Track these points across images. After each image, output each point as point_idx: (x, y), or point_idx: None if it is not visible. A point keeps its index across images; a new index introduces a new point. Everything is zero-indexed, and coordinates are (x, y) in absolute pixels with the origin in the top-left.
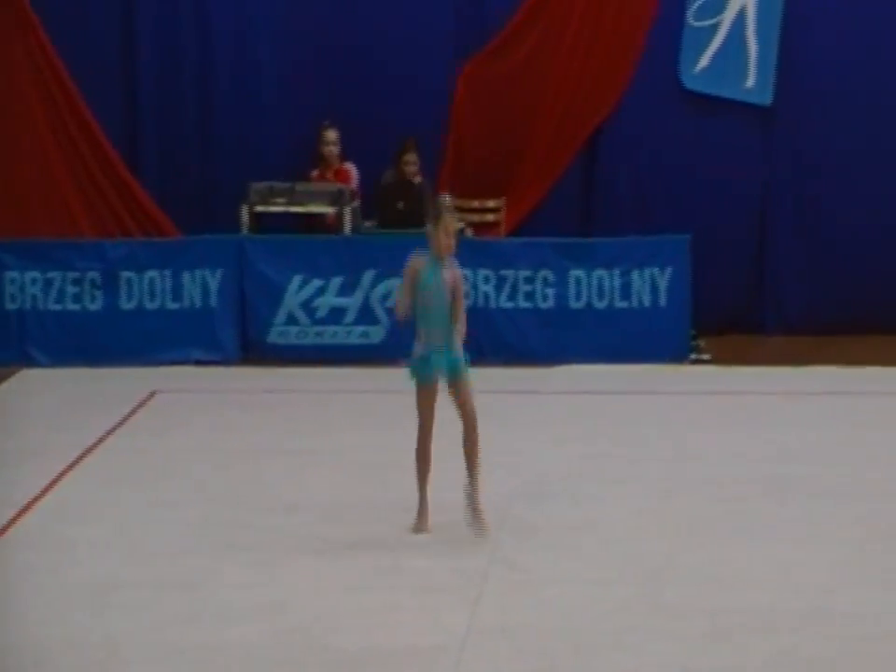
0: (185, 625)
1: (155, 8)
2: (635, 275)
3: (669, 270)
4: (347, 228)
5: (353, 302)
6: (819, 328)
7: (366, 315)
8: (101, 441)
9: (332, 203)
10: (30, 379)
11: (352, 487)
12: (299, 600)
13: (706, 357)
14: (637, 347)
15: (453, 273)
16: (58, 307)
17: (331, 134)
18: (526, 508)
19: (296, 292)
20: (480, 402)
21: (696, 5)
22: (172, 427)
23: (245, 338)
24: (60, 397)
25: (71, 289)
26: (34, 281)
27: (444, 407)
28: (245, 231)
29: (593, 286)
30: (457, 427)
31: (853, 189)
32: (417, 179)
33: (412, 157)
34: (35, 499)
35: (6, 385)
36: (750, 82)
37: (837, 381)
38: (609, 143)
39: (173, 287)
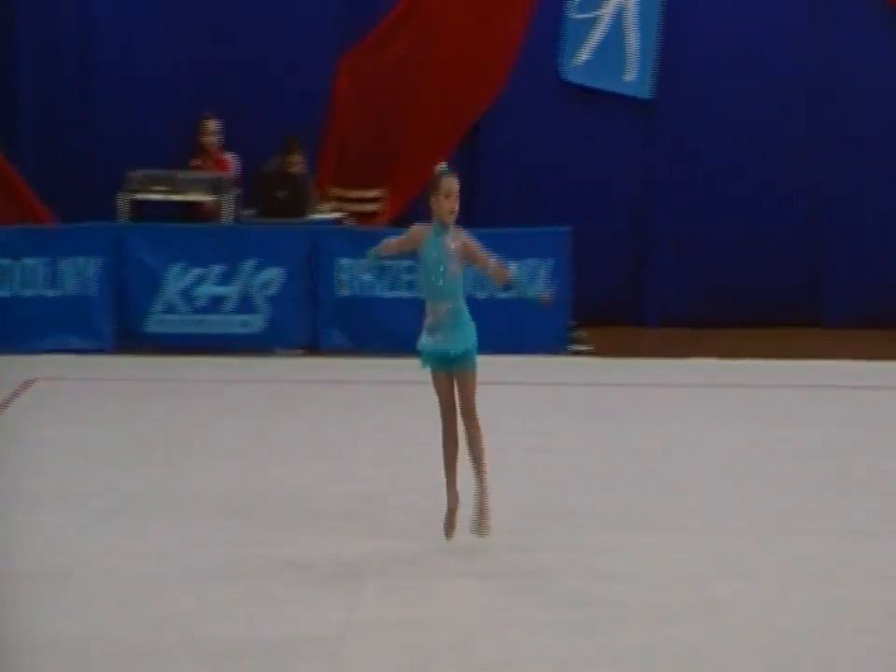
0: (58, 618)
1: None
2: (515, 267)
3: (550, 262)
4: (227, 216)
5: (232, 291)
6: (697, 320)
7: (245, 304)
8: None
9: (212, 192)
10: None
11: (232, 477)
12: (173, 591)
13: (586, 348)
14: (517, 338)
15: (460, 241)
16: None
17: (211, 124)
18: (408, 497)
19: (175, 281)
20: (361, 392)
21: None
22: (49, 416)
23: (123, 326)
24: None
25: None
26: None
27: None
28: (123, 218)
29: (473, 276)
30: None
31: (732, 184)
32: (305, 176)
33: (296, 157)
34: None
35: None
36: (630, 76)
37: (714, 373)
38: (489, 134)
39: (50, 274)
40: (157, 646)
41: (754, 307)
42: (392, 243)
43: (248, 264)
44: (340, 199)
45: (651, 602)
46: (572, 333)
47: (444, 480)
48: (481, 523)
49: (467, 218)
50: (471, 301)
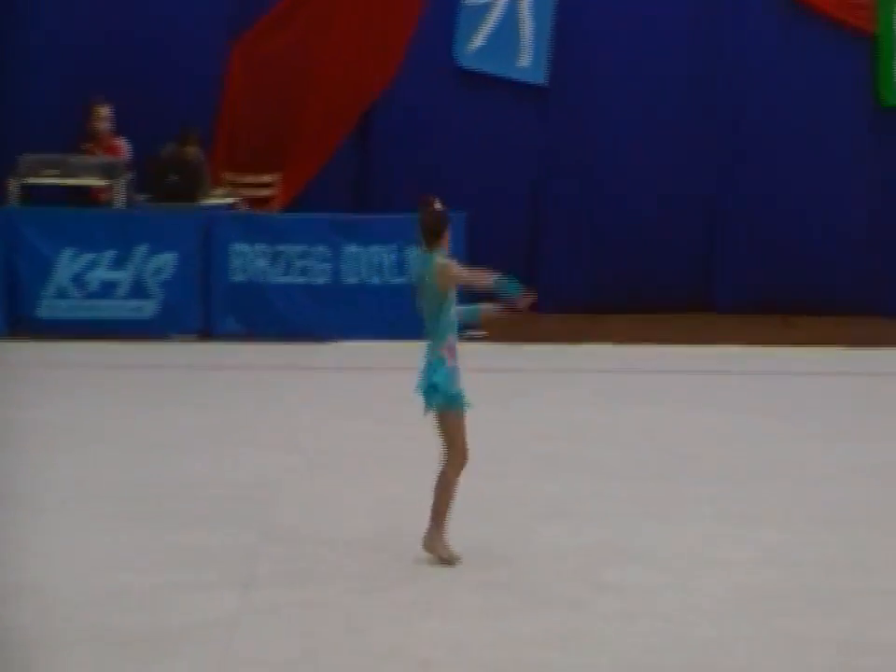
0: None
1: None
2: (410, 252)
3: None
4: (119, 201)
5: (125, 276)
6: (592, 306)
7: (138, 290)
8: None
9: (105, 176)
10: None
11: (126, 465)
12: (65, 579)
13: (480, 334)
14: (411, 324)
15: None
16: None
17: (103, 110)
18: (300, 483)
19: (67, 266)
20: (254, 378)
21: None
22: None
23: (15, 311)
24: None
25: None
26: None
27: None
28: (14, 203)
29: (368, 261)
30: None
31: (626, 170)
32: (200, 162)
33: (191, 145)
34: None
35: None
36: (525, 61)
37: (608, 358)
38: (384, 119)
39: None
40: (55, 635)
41: (648, 293)
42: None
43: (141, 249)
44: (233, 184)
45: (542, 584)
46: None
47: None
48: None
49: (361, 203)
50: (365, 287)
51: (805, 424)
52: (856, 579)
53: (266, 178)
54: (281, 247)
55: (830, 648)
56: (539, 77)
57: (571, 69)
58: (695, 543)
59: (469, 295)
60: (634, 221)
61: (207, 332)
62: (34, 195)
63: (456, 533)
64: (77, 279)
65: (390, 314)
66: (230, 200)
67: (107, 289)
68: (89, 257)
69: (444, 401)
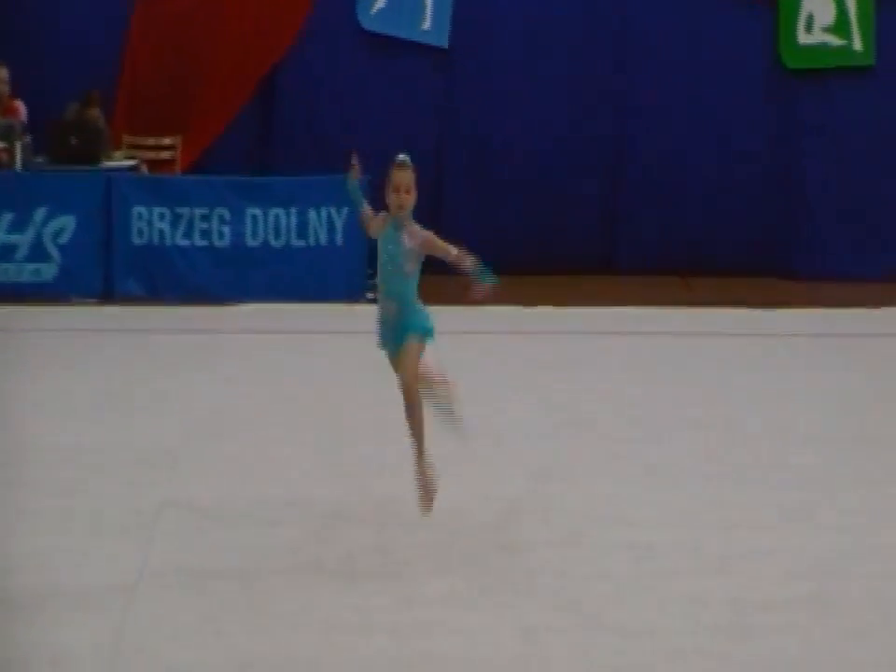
0: None
1: None
2: (312, 214)
3: (346, 209)
4: (18, 163)
5: (24, 239)
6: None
7: (38, 253)
8: None
9: (3, 138)
10: None
11: (20, 429)
12: None
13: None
14: (314, 286)
15: (418, 241)
16: None
17: (1, 72)
18: (200, 446)
19: None
20: (156, 341)
21: None
22: None
23: None
24: None
25: None
26: None
27: None
28: None
29: (269, 224)
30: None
31: (528, 132)
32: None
33: (94, 108)
34: None
35: None
36: (427, 24)
37: (514, 320)
38: (287, 82)
39: None
40: None
41: (550, 254)
42: (369, 213)
43: (40, 212)
44: (134, 146)
45: (444, 544)
46: (370, 281)
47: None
48: (423, 498)
49: (264, 165)
50: (268, 250)
51: (702, 384)
52: (752, 537)
53: (167, 140)
54: (182, 210)
55: (722, 607)
56: (442, 40)
57: (472, 32)
58: (595, 503)
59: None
60: (535, 182)
61: (108, 295)
62: None
63: (363, 498)
64: None
65: (291, 276)
66: (131, 162)
67: (6, 253)
68: None
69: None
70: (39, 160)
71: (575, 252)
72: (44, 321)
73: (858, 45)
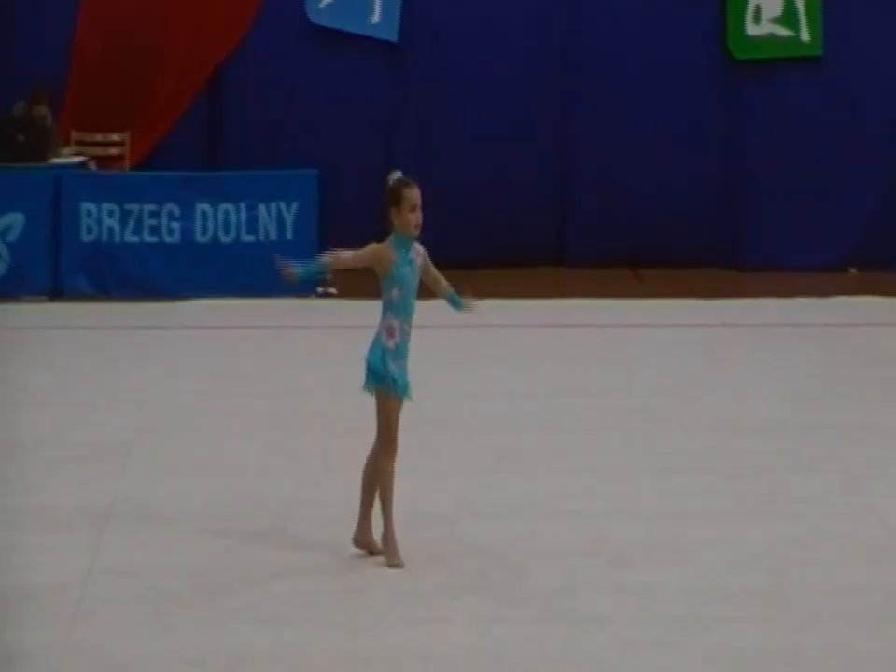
0: None
1: None
2: (262, 209)
3: (296, 204)
4: None
5: None
6: (445, 261)
7: None
8: None
9: None
10: None
11: None
12: None
13: (333, 290)
14: (264, 281)
15: (421, 256)
16: None
17: None
18: (152, 442)
19: None
20: (103, 338)
21: None
22: None
23: None
24: None
25: None
26: None
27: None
28: None
29: (219, 220)
30: None
31: (477, 125)
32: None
33: (42, 104)
34: None
35: None
36: (376, 17)
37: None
38: (237, 77)
39: None
40: None
41: (500, 248)
42: (347, 257)
43: None
44: (83, 143)
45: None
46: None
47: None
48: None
49: (213, 159)
50: (218, 245)
51: (654, 375)
52: (704, 528)
53: (115, 137)
54: (131, 206)
55: (675, 597)
56: (391, 34)
57: (421, 26)
58: (548, 494)
59: None
60: (486, 176)
61: (58, 293)
62: None
63: (312, 490)
64: None
65: (241, 272)
66: (79, 159)
67: None
68: None
69: (375, 382)
70: None
71: (526, 246)
72: None
73: (805, 36)
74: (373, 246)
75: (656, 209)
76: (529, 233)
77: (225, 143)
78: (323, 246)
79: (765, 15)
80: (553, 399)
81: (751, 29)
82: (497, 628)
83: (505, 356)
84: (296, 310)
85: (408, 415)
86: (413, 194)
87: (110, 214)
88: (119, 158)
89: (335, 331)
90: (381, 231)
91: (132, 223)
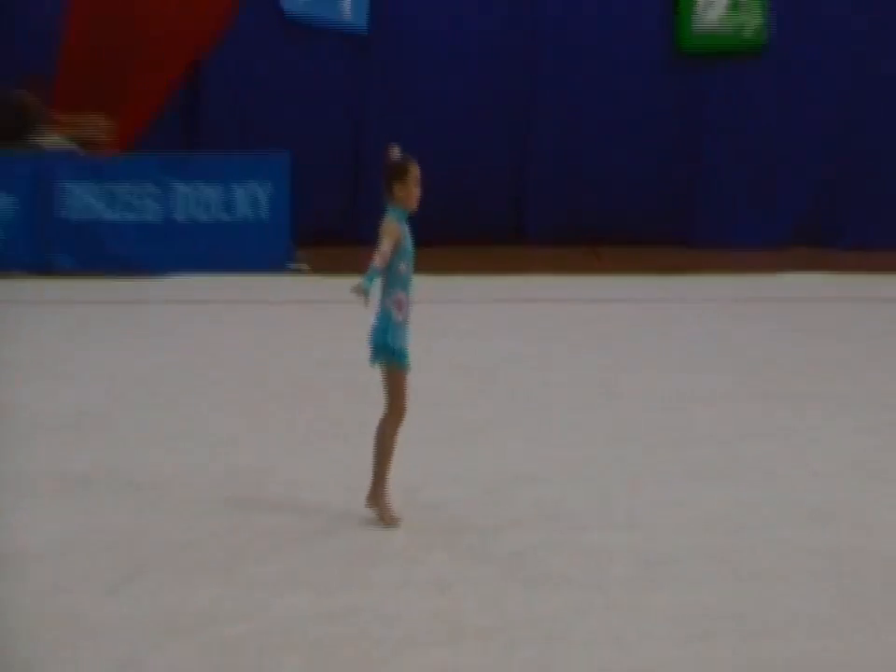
0: None
1: None
2: (237, 190)
3: (269, 185)
4: None
5: None
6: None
7: None
8: None
9: None
10: None
11: None
12: None
13: (305, 267)
14: (240, 258)
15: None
16: None
17: None
18: (129, 412)
19: None
20: (88, 311)
21: None
22: None
23: None
24: None
25: None
26: None
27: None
28: None
29: (196, 200)
30: None
31: (441, 111)
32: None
33: (30, 94)
34: None
35: None
36: (346, 10)
37: (427, 289)
38: (215, 67)
39: None
40: None
41: (462, 226)
42: (386, 249)
43: None
44: (67, 125)
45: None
46: (292, 253)
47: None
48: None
49: (191, 143)
50: (195, 224)
51: (610, 348)
52: (657, 492)
53: (100, 122)
54: (113, 187)
55: (628, 559)
56: (361, 26)
57: (390, 19)
58: (507, 461)
59: None
60: (449, 157)
61: (44, 268)
62: None
63: (284, 460)
64: None
65: (217, 249)
66: (65, 143)
67: None
68: None
69: (387, 356)
70: None
71: (486, 224)
72: None
73: (750, 29)
74: (392, 224)
75: (613, 190)
76: (490, 212)
77: (202, 127)
78: (295, 225)
79: (712, 9)
80: (511, 373)
81: (699, 24)
82: (458, 589)
83: (466, 330)
84: (269, 285)
85: (372, 389)
86: (416, 169)
87: (93, 194)
88: (102, 142)
89: (305, 305)
90: (348, 209)
91: (114, 203)
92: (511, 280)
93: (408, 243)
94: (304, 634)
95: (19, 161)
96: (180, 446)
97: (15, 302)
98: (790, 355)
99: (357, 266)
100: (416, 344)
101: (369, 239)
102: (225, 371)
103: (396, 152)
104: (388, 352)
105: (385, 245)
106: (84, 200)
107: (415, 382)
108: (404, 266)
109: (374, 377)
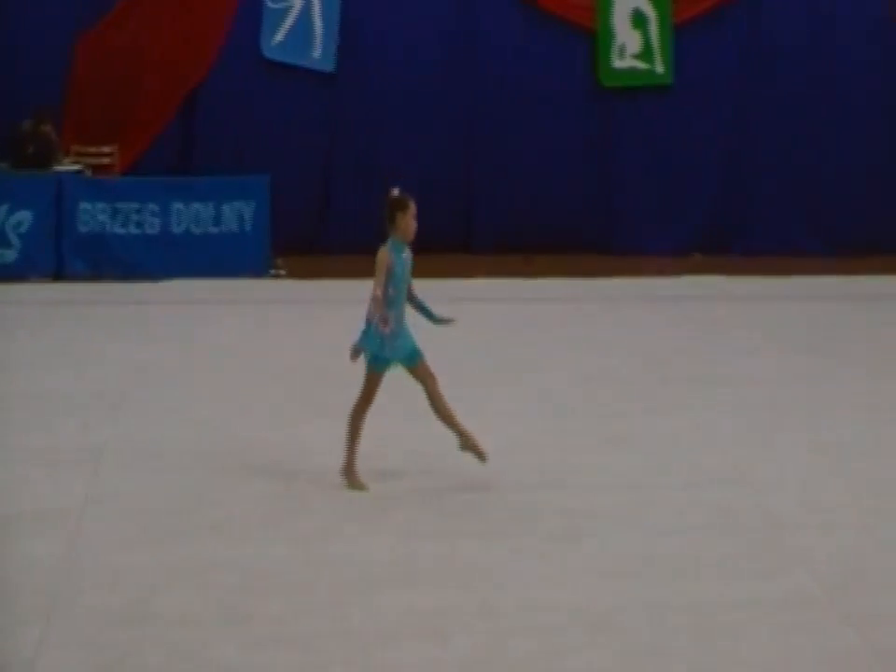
0: None
1: None
2: (225, 207)
3: (253, 203)
4: None
5: None
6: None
7: (2, 240)
8: None
9: None
10: None
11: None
12: None
13: (283, 272)
14: (227, 265)
15: (409, 255)
16: None
17: None
18: (139, 396)
19: None
20: (98, 310)
21: None
22: None
23: None
24: None
25: None
26: None
27: None
28: None
29: (191, 215)
30: None
31: (400, 137)
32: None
33: (46, 121)
34: None
35: None
36: (317, 53)
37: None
38: (206, 101)
39: None
40: None
41: (420, 236)
42: (379, 290)
43: (3, 208)
44: (80, 154)
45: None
46: (271, 260)
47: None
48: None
49: (187, 167)
50: (190, 236)
51: (539, 338)
52: (579, 458)
53: (107, 149)
54: (120, 205)
55: (557, 514)
56: (329, 66)
57: (355, 59)
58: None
59: None
60: (406, 179)
61: (60, 274)
62: None
63: (270, 433)
64: None
65: (208, 257)
66: (77, 167)
67: None
68: None
69: (368, 359)
70: (2, 165)
71: (438, 235)
72: (8, 295)
73: (660, 68)
74: (383, 257)
75: (544, 205)
76: (442, 225)
77: (196, 154)
78: (274, 237)
79: (628, 51)
80: (455, 360)
81: (617, 62)
82: (415, 542)
83: (419, 325)
84: (252, 288)
85: (344, 375)
86: (414, 206)
87: (103, 211)
88: (110, 166)
89: (284, 305)
90: (319, 223)
91: (120, 218)
92: (457, 282)
93: (400, 269)
94: (287, 580)
95: (39, 182)
96: (184, 422)
97: (35, 303)
98: (690, 344)
99: (327, 271)
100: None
101: (336, 248)
102: (220, 359)
103: (395, 192)
104: (369, 356)
105: (378, 290)
106: (95, 215)
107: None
108: (392, 290)
109: (344, 364)
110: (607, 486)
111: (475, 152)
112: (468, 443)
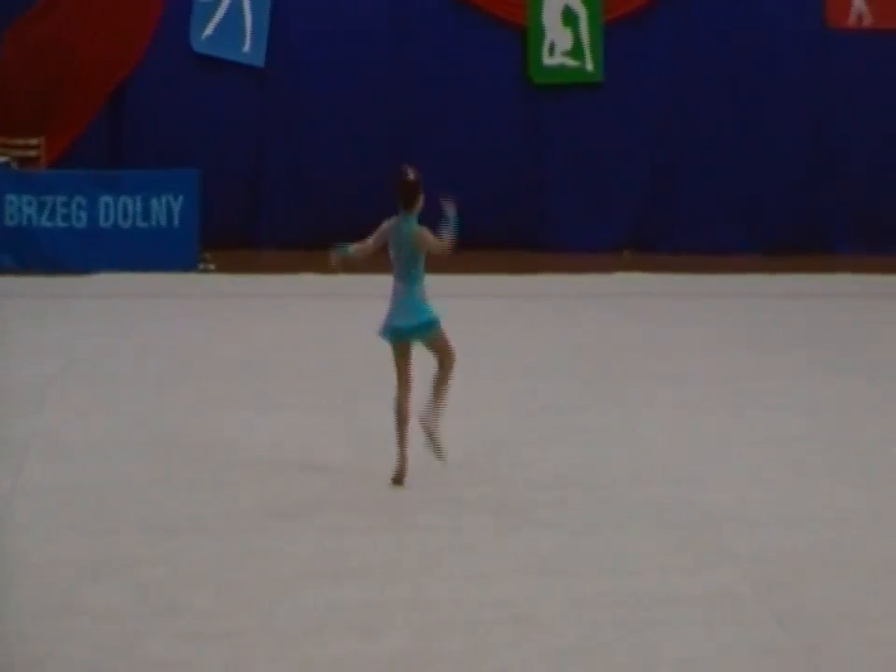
0: None
1: None
2: (154, 201)
3: (182, 198)
4: None
5: None
6: (306, 242)
7: None
8: None
9: None
10: None
11: None
12: None
13: (212, 266)
14: (156, 260)
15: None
16: None
17: None
18: (64, 388)
19: None
20: (24, 303)
21: None
22: None
23: None
24: None
25: None
26: None
27: None
28: None
29: (119, 209)
30: None
31: (329, 131)
32: None
33: None
34: None
35: None
36: (247, 47)
37: (323, 286)
38: (135, 94)
39: None
40: None
41: (360, 230)
42: (369, 244)
43: None
44: (5, 146)
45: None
46: (200, 255)
47: None
48: (436, 447)
49: (117, 161)
50: (118, 230)
51: (471, 335)
52: (509, 455)
53: (33, 141)
54: (46, 198)
55: (489, 508)
56: (259, 60)
57: (285, 54)
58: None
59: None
60: (335, 174)
61: None
62: None
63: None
64: None
65: (137, 251)
66: (3, 159)
67: None
68: None
69: (439, 324)
70: None
71: (365, 232)
72: None
73: (590, 66)
74: (383, 225)
75: (479, 202)
76: (372, 222)
77: (124, 146)
78: (204, 231)
79: (558, 49)
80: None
81: (547, 60)
82: (343, 537)
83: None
84: (181, 282)
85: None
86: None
87: (29, 203)
88: (36, 159)
89: (212, 299)
90: (247, 218)
91: (47, 211)
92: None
93: (395, 241)
94: (215, 575)
95: None
96: (110, 415)
97: None
98: (621, 339)
99: (256, 265)
100: (327, 327)
101: (266, 243)
102: (147, 352)
103: (412, 172)
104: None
105: (368, 241)
106: (22, 209)
107: (322, 362)
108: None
109: (271, 357)
110: (538, 482)
111: (405, 148)
112: (434, 446)
